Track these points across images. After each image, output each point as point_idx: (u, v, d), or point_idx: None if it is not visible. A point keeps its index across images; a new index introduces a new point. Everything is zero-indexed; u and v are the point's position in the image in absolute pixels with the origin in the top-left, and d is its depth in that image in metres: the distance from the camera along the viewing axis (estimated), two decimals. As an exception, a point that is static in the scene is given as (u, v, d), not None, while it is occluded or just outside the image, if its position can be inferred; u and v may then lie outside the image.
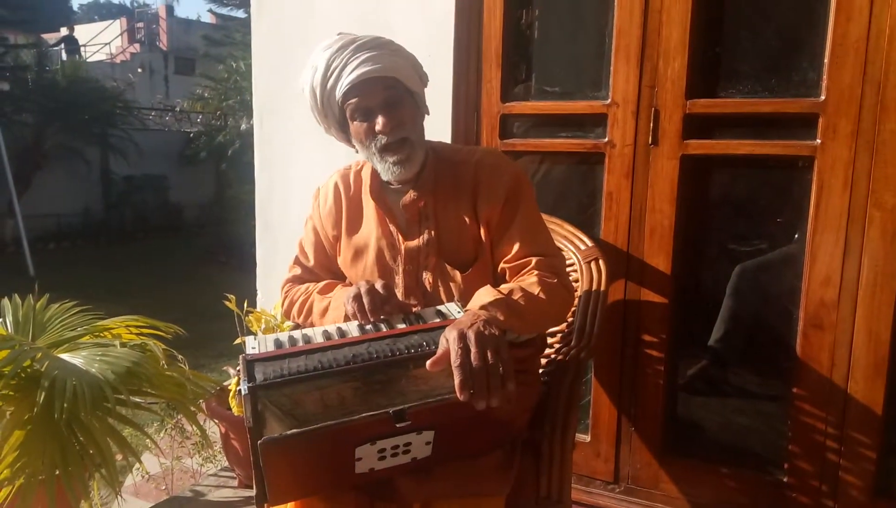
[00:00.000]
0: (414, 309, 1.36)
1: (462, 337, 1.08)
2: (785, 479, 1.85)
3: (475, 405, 1.05)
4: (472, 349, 1.07)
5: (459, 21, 2.09)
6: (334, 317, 1.39)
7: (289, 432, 1.04)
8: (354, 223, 1.51)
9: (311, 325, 1.46)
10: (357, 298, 1.29)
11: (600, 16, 1.97)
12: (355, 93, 1.34)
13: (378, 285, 1.30)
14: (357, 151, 1.45)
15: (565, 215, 1.93)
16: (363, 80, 1.32)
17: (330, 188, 1.55)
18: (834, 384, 1.76)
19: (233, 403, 2.19)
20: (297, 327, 1.54)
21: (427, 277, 1.43)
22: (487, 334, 1.10)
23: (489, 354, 1.07)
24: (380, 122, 1.34)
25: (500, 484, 1.29)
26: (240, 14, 14.87)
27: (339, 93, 1.34)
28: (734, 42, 1.88)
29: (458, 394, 1.05)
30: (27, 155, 10.47)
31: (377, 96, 1.34)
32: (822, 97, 1.71)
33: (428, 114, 1.46)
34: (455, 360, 1.06)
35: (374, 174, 1.47)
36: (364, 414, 1.06)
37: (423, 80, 1.44)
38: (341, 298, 1.38)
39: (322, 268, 1.56)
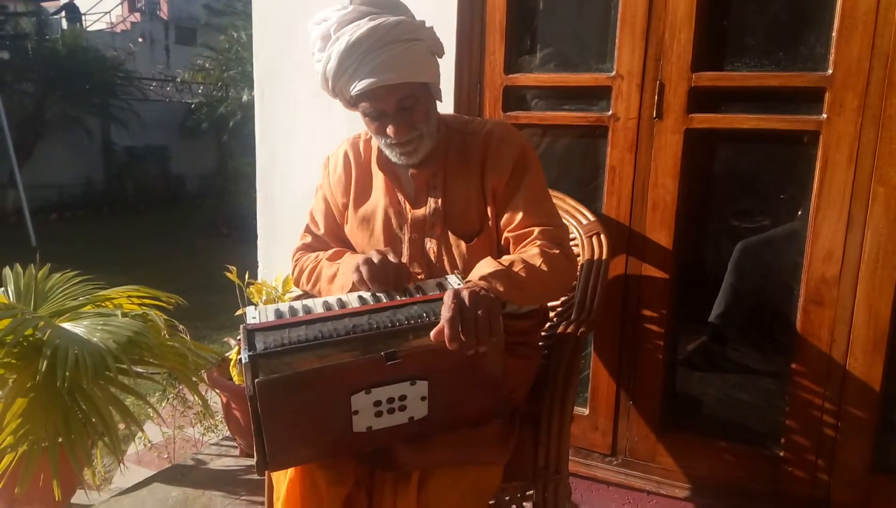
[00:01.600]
0: (419, 277, 1.37)
1: (457, 295, 1.12)
2: (782, 454, 1.86)
3: (463, 351, 1.09)
4: (465, 305, 1.10)
5: (463, -10, 2.06)
6: (342, 283, 1.39)
7: (285, 373, 1.07)
8: (364, 191, 1.51)
9: (320, 292, 1.47)
10: (367, 263, 1.29)
11: (606, -14, 1.93)
12: (367, 98, 1.32)
13: (392, 258, 1.31)
14: None
15: (568, 189, 1.93)
16: (374, 88, 1.29)
17: (340, 156, 1.55)
18: (833, 360, 1.76)
19: (234, 372, 2.21)
20: (300, 297, 1.54)
21: (432, 246, 1.44)
22: (482, 294, 1.13)
23: (480, 311, 1.10)
24: (391, 129, 1.33)
25: (499, 453, 1.30)
26: (241, -17, 14.69)
27: (351, 91, 1.32)
28: (741, 15, 1.85)
29: (447, 344, 1.09)
30: (28, 125, 10.44)
31: (390, 103, 1.32)
32: (830, 71, 1.69)
33: (440, 98, 1.44)
34: (446, 313, 1.10)
35: None
36: (358, 357, 1.10)
37: (439, 55, 1.40)
38: (350, 265, 1.38)
39: (332, 236, 1.56)
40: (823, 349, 1.77)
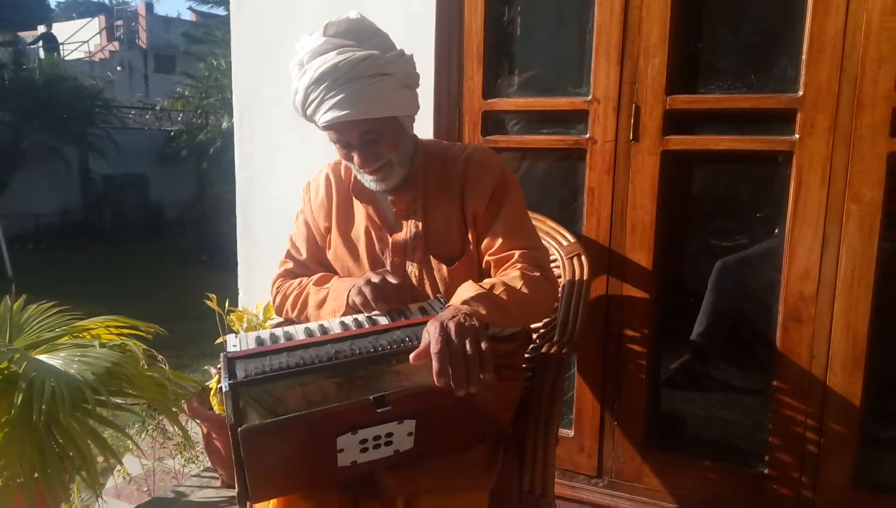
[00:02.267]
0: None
1: (442, 328, 1.09)
2: (766, 471, 1.87)
3: (454, 392, 1.06)
4: (452, 338, 1.08)
5: (440, 18, 2.08)
6: (333, 307, 1.38)
7: (269, 420, 1.04)
8: (346, 214, 1.51)
9: (307, 318, 1.46)
10: (370, 284, 1.30)
11: (581, 13, 1.97)
12: (332, 129, 1.33)
13: (392, 279, 1.31)
14: None
15: (547, 211, 1.94)
16: (337, 122, 1.30)
17: (321, 181, 1.55)
18: (813, 377, 1.78)
19: (214, 401, 2.17)
20: (281, 324, 1.53)
21: (413, 269, 1.44)
22: (467, 324, 1.11)
23: (468, 343, 1.07)
24: (356, 158, 1.35)
25: (484, 479, 1.29)
26: (220, 11, 14.72)
27: (318, 122, 1.33)
28: (714, 38, 1.89)
29: (435, 380, 1.06)
30: (5, 154, 10.33)
31: (353, 136, 1.32)
32: (800, 93, 1.73)
33: (413, 121, 1.43)
34: (434, 348, 1.07)
35: None
36: (345, 402, 1.07)
37: (412, 87, 1.39)
38: (340, 288, 1.38)
39: (315, 261, 1.56)
40: (803, 365, 1.79)
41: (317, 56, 1.30)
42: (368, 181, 1.40)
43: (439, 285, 1.43)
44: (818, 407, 1.78)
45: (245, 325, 2.17)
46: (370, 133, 1.32)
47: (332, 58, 1.28)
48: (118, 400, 1.90)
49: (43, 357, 1.82)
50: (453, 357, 1.06)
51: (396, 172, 1.39)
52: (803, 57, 1.72)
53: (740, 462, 1.92)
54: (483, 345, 1.09)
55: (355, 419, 1.08)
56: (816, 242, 1.74)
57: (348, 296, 1.34)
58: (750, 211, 1.92)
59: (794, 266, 1.78)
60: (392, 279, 1.32)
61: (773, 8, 1.82)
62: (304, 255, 1.56)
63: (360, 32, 1.33)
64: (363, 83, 1.28)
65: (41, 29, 16.88)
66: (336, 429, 1.08)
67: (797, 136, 1.74)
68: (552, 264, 1.61)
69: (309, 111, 1.33)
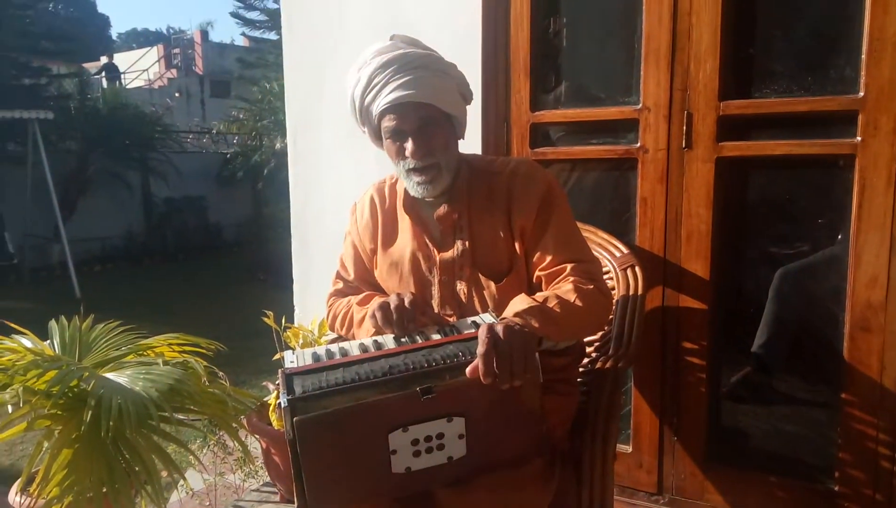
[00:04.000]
0: (450, 319, 1.36)
1: (490, 330, 1.11)
2: (836, 488, 1.79)
3: (499, 385, 1.09)
4: (499, 339, 1.10)
5: (486, 33, 2.10)
6: (369, 327, 1.40)
7: (322, 411, 1.08)
8: (390, 235, 1.52)
9: (353, 336, 1.48)
10: (383, 308, 1.30)
11: (628, 21, 1.95)
12: (390, 114, 1.35)
13: (406, 300, 1.30)
14: None
15: (599, 222, 1.92)
16: (398, 103, 1.33)
17: (366, 202, 1.57)
18: (885, 389, 1.70)
19: (273, 417, 2.21)
20: (336, 340, 1.56)
21: (462, 287, 1.44)
22: (516, 329, 1.13)
23: (514, 345, 1.10)
24: (409, 148, 1.36)
25: (540, 495, 1.28)
26: (272, 36, 15.14)
27: (375, 110, 1.36)
28: (767, 41, 1.84)
29: (481, 379, 1.08)
30: (72, 181, 10.80)
31: (411, 121, 1.35)
32: (861, 94, 1.67)
33: (463, 137, 1.46)
34: (480, 349, 1.09)
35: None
36: (394, 394, 1.11)
37: (466, 99, 1.44)
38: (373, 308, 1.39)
39: (362, 281, 1.58)
40: (874, 377, 1.71)
41: (382, 53, 1.36)
42: (414, 185, 1.40)
43: (488, 301, 1.42)
44: (891, 421, 1.70)
45: (301, 341, 2.21)
46: (428, 121, 1.35)
47: (399, 50, 1.35)
48: (181, 416, 1.95)
49: (110, 375, 1.88)
50: (499, 356, 1.08)
51: (443, 177, 1.40)
52: (863, 57, 1.66)
53: (808, 479, 1.85)
54: (530, 349, 1.11)
55: (404, 412, 1.11)
56: (883, 247, 1.68)
57: None
58: (810, 217, 1.86)
59: (860, 273, 1.71)
60: (406, 300, 1.30)
61: (827, 8, 1.77)
62: (352, 275, 1.59)
63: (420, 44, 1.40)
64: (428, 73, 1.34)
65: (104, 60, 17.67)
66: (387, 423, 1.11)
67: (859, 138, 1.68)
68: (605, 276, 1.59)
69: (369, 98, 1.36)
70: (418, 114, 1.34)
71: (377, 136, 1.44)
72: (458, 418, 1.14)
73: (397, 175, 1.48)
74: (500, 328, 1.11)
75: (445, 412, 1.13)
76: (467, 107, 1.45)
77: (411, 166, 1.38)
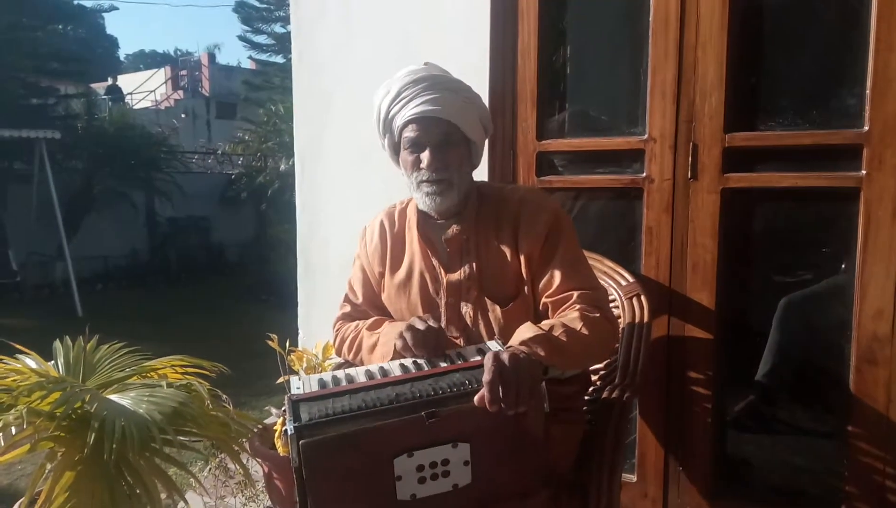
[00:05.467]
0: (455, 341, 1.37)
1: (496, 358, 1.12)
2: (843, 521, 1.77)
3: (504, 411, 1.09)
4: (505, 367, 1.10)
5: (494, 65, 2.12)
6: (383, 353, 1.41)
7: (328, 434, 1.08)
8: (398, 258, 1.54)
9: (361, 361, 1.49)
10: (412, 329, 1.31)
11: (634, 54, 1.98)
12: (413, 125, 1.39)
13: (433, 323, 1.32)
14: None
15: (604, 250, 1.92)
16: (423, 116, 1.37)
17: (376, 226, 1.59)
18: (891, 422, 1.70)
19: (278, 443, 2.20)
20: (341, 366, 1.56)
21: (468, 310, 1.45)
22: (522, 358, 1.13)
23: (520, 373, 1.10)
24: (426, 159, 1.39)
25: (546, 527, 1.26)
26: (278, 59, 15.34)
27: (399, 120, 1.40)
28: (773, 75, 1.87)
29: (487, 407, 1.09)
30: (77, 200, 10.85)
31: (432, 135, 1.39)
32: (866, 128, 1.69)
33: (477, 166, 1.50)
34: (486, 377, 1.10)
35: (420, 209, 1.50)
36: (399, 417, 1.11)
37: (487, 131, 1.49)
38: (391, 333, 1.40)
39: (370, 305, 1.59)
40: (880, 410, 1.71)
41: (414, 72, 1.41)
42: (424, 196, 1.43)
43: (493, 326, 1.43)
44: (898, 454, 1.70)
45: (304, 365, 2.21)
46: (448, 138, 1.39)
47: (432, 71, 1.41)
48: (183, 439, 1.94)
49: (114, 397, 1.87)
50: (505, 385, 1.09)
51: (453, 193, 1.42)
52: (867, 92, 1.68)
53: (815, 511, 1.83)
54: (536, 377, 1.13)
55: (409, 436, 1.11)
56: (889, 280, 1.68)
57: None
58: (815, 248, 1.87)
59: (866, 305, 1.71)
60: (433, 324, 1.33)
61: (832, 43, 1.79)
62: (361, 299, 1.59)
63: (451, 75, 1.46)
64: (456, 96, 1.40)
65: (110, 81, 17.82)
66: (392, 448, 1.11)
67: (864, 171, 1.69)
68: (611, 305, 1.59)
69: (395, 109, 1.40)
70: (440, 129, 1.38)
71: (395, 148, 1.47)
72: (463, 444, 1.14)
73: (409, 188, 1.50)
74: (505, 357, 1.12)
75: (450, 437, 1.13)
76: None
77: (424, 178, 1.40)
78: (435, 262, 1.48)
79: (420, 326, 1.31)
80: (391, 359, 1.36)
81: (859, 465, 1.74)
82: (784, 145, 1.80)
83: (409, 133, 1.40)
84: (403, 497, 1.14)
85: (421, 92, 1.38)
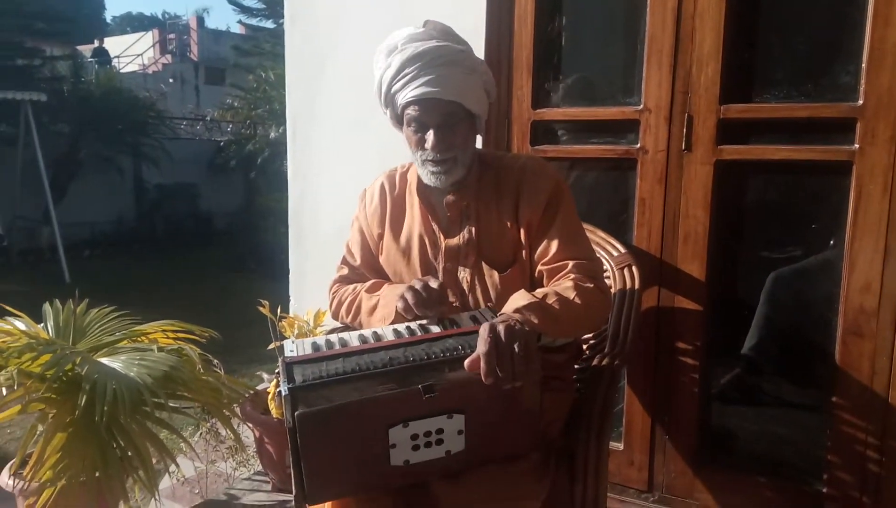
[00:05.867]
0: (453, 305, 1.39)
1: (492, 329, 1.12)
2: (824, 490, 1.81)
3: (501, 385, 1.10)
4: (501, 339, 1.11)
5: (490, 31, 2.10)
6: (383, 315, 1.41)
7: (324, 405, 1.08)
8: (398, 221, 1.54)
9: (360, 324, 1.49)
10: (413, 290, 1.32)
11: (632, 23, 1.96)
12: (416, 106, 1.37)
13: (434, 284, 1.33)
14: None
15: (597, 221, 1.93)
16: (425, 98, 1.35)
17: (376, 188, 1.58)
18: (875, 394, 1.73)
19: (272, 405, 2.21)
20: (334, 330, 1.56)
21: (465, 275, 1.46)
22: (517, 328, 1.14)
23: (516, 345, 1.11)
24: (430, 140, 1.37)
25: (535, 489, 1.29)
26: (268, 25, 15.05)
27: (401, 99, 1.38)
28: (769, 47, 1.86)
29: (483, 379, 1.09)
30: (63, 164, 10.73)
31: (435, 115, 1.37)
32: (860, 102, 1.69)
33: (482, 133, 1.49)
34: (482, 348, 1.10)
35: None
36: (396, 390, 1.11)
37: (490, 96, 1.47)
38: (391, 295, 1.40)
39: (368, 267, 1.59)
40: (864, 381, 1.74)
41: (415, 41, 1.37)
42: (429, 173, 1.42)
43: (490, 291, 1.44)
44: (880, 425, 1.73)
45: (296, 331, 2.21)
46: (451, 117, 1.37)
47: (432, 43, 1.36)
48: (174, 403, 1.95)
49: (105, 360, 1.88)
50: (501, 357, 1.09)
51: (458, 170, 1.42)
52: (863, 66, 1.68)
53: (797, 480, 1.87)
54: (531, 347, 1.12)
55: (406, 408, 1.12)
56: (878, 254, 1.70)
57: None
58: (806, 222, 1.88)
59: (853, 279, 1.73)
60: (434, 285, 1.34)
61: (829, 17, 1.78)
62: (359, 261, 1.59)
63: (454, 36, 1.42)
64: (458, 70, 1.36)
65: (96, 43, 17.48)
66: (388, 419, 1.12)
67: (857, 145, 1.70)
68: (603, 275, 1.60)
69: (398, 86, 1.37)
70: (443, 110, 1.36)
71: (398, 120, 1.46)
72: (458, 415, 1.15)
73: (412, 161, 1.49)
74: (501, 328, 1.12)
75: (446, 408, 1.14)
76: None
77: (429, 158, 1.40)
78: (434, 226, 1.49)
79: (418, 286, 1.32)
80: (392, 321, 1.36)
81: (842, 435, 1.78)
82: (778, 118, 1.80)
83: (412, 112, 1.38)
84: (396, 462, 1.16)
85: (421, 71, 1.34)
